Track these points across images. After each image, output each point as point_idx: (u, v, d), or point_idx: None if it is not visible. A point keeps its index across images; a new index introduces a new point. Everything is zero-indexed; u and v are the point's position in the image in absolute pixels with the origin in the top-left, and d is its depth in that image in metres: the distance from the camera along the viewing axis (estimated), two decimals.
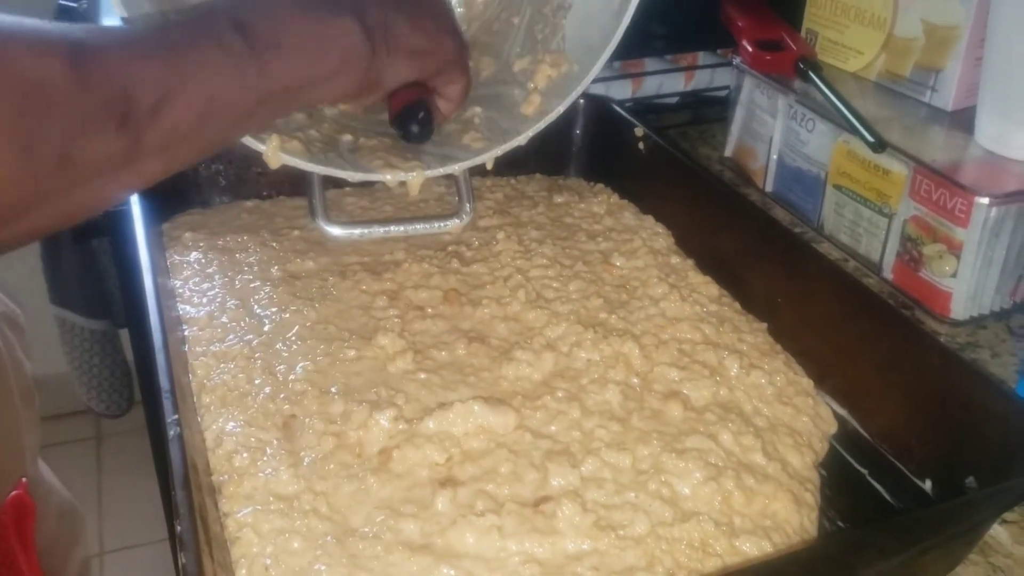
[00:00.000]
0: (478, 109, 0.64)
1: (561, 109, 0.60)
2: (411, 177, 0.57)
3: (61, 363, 1.51)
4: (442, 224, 0.62)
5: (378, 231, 0.60)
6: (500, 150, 0.59)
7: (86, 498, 1.79)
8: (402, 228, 0.61)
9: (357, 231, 0.60)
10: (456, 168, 0.59)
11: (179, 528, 0.40)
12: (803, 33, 0.90)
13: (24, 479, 0.62)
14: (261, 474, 0.50)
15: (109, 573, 1.68)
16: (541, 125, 0.60)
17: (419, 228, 0.62)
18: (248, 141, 0.52)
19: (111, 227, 0.79)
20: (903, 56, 0.82)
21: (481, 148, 0.60)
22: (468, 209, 0.61)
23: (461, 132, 0.62)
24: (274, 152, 0.53)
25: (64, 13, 0.93)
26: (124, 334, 1.49)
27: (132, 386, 1.55)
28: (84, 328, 1.47)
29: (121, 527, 1.74)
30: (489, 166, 0.60)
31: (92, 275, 1.39)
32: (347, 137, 0.61)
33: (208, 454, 0.52)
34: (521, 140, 0.59)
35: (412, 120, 0.55)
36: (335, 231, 0.58)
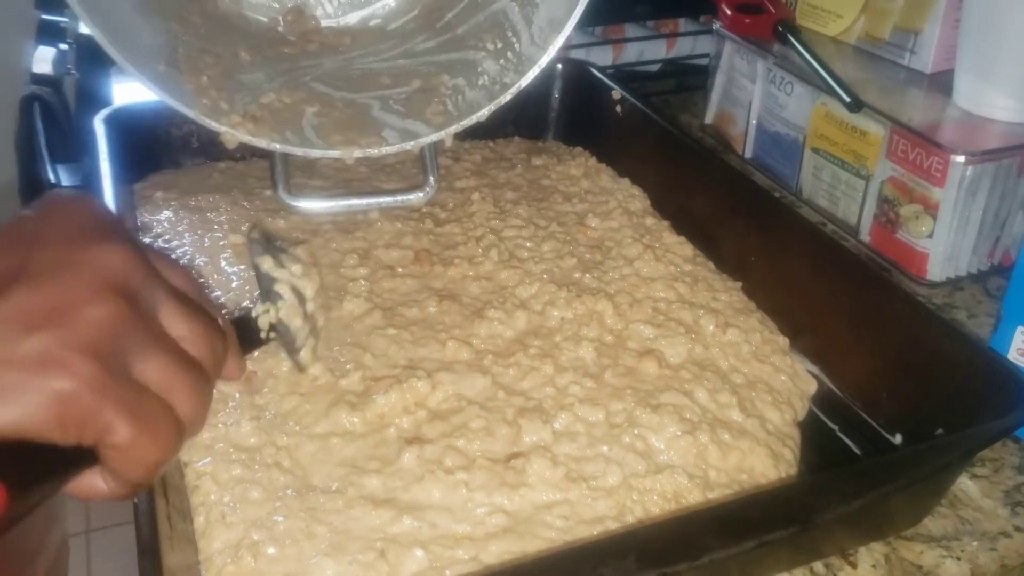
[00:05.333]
0: (445, 77, 0.63)
1: (523, 83, 0.59)
2: (369, 154, 0.57)
3: None
4: (405, 198, 0.61)
5: (340, 204, 0.60)
6: (459, 126, 0.59)
7: None
8: (364, 202, 0.61)
9: (318, 205, 0.60)
10: (412, 145, 0.58)
11: None
12: None
13: None
14: (222, 425, 0.50)
15: (95, 551, 1.68)
16: (503, 99, 0.59)
17: (382, 202, 0.61)
18: (204, 121, 0.52)
19: (87, 191, 0.78)
20: (882, 18, 0.82)
21: (442, 123, 0.59)
22: (432, 182, 0.61)
23: (426, 101, 0.61)
24: (231, 132, 0.53)
25: (47, 28, 0.90)
26: None
27: None
28: None
29: (107, 505, 1.73)
30: (448, 143, 0.59)
31: None
32: (313, 108, 0.60)
33: None
34: (481, 116, 0.59)
35: None
36: (297, 204, 0.58)
